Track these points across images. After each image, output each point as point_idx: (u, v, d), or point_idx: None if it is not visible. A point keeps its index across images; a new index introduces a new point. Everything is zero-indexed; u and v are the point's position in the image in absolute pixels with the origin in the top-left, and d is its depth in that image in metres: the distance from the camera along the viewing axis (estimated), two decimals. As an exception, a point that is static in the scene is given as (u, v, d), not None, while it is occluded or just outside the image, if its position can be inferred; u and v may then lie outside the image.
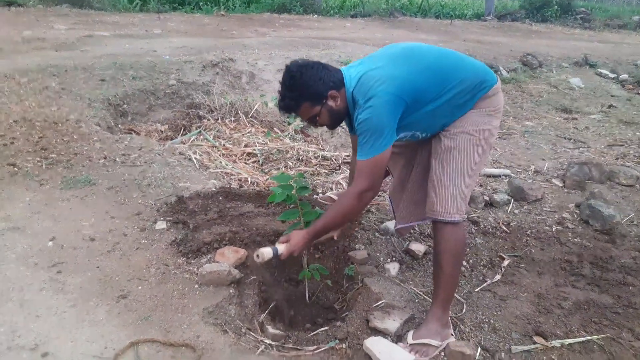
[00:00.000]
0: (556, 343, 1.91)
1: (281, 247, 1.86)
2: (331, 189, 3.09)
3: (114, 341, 1.70)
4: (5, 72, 4.27)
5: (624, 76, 7.02)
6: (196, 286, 2.02)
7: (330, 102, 1.87)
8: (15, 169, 2.86)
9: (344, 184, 3.19)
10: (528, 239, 2.71)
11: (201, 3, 10.71)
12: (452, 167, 1.87)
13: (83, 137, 3.36)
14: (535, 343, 1.92)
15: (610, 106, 5.76)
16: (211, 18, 9.43)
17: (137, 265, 2.13)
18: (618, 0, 17.53)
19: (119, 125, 4.04)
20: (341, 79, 1.87)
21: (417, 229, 2.69)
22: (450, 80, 1.85)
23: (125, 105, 4.25)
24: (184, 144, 3.63)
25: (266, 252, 1.84)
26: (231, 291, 2.02)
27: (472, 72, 1.90)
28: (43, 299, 1.87)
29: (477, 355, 1.82)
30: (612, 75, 7.06)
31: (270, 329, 1.93)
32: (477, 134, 1.88)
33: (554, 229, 2.83)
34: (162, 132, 4.03)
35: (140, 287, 1.99)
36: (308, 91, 1.84)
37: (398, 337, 1.89)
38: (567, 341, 1.93)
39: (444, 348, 1.84)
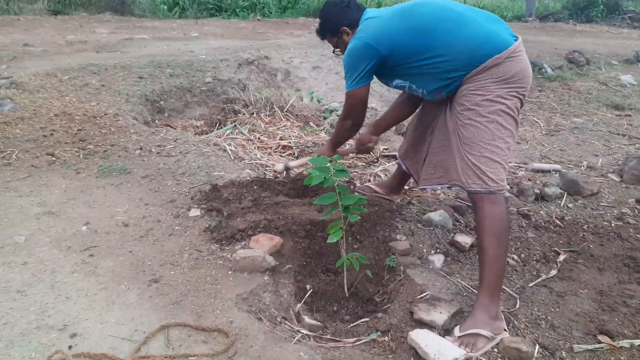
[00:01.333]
0: (625, 343, 1.71)
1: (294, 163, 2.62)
2: (369, 180, 2.96)
3: (145, 324, 1.62)
4: (48, 71, 4.38)
5: (680, 73, 6.57)
6: (230, 272, 1.93)
7: (345, 37, 2.19)
8: (54, 159, 2.87)
9: (382, 176, 3.05)
10: (585, 234, 2.50)
11: (237, 10, 10.83)
12: (459, 146, 1.92)
13: (120, 129, 3.36)
14: (600, 342, 1.73)
15: (666, 103, 5.39)
16: (247, 22, 9.52)
17: (170, 251, 2.06)
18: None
19: (156, 121, 4.05)
20: (359, 19, 2.12)
21: (462, 221, 2.52)
22: (435, 47, 1.91)
23: (162, 102, 4.26)
24: (219, 137, 3.58)
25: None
26: (266, 279, 1.92)
27: (461, 47, 1.87)
28: (74, 281, 1.81)
29: (536, 353, 1.64)
30: (666, 73, 6.62)
31: (307, 319, 1.81)
32: (475, 107, 1.87)
33: (613, 225, 2.60)
34: (197, 127, 4.01)
35: (172, 272, 1.91)
36: (327, 25, 2.23)
37: (446, 331, 1.73)
38: (637, 342, 1.72)
39: (497, 343, 1.67)
